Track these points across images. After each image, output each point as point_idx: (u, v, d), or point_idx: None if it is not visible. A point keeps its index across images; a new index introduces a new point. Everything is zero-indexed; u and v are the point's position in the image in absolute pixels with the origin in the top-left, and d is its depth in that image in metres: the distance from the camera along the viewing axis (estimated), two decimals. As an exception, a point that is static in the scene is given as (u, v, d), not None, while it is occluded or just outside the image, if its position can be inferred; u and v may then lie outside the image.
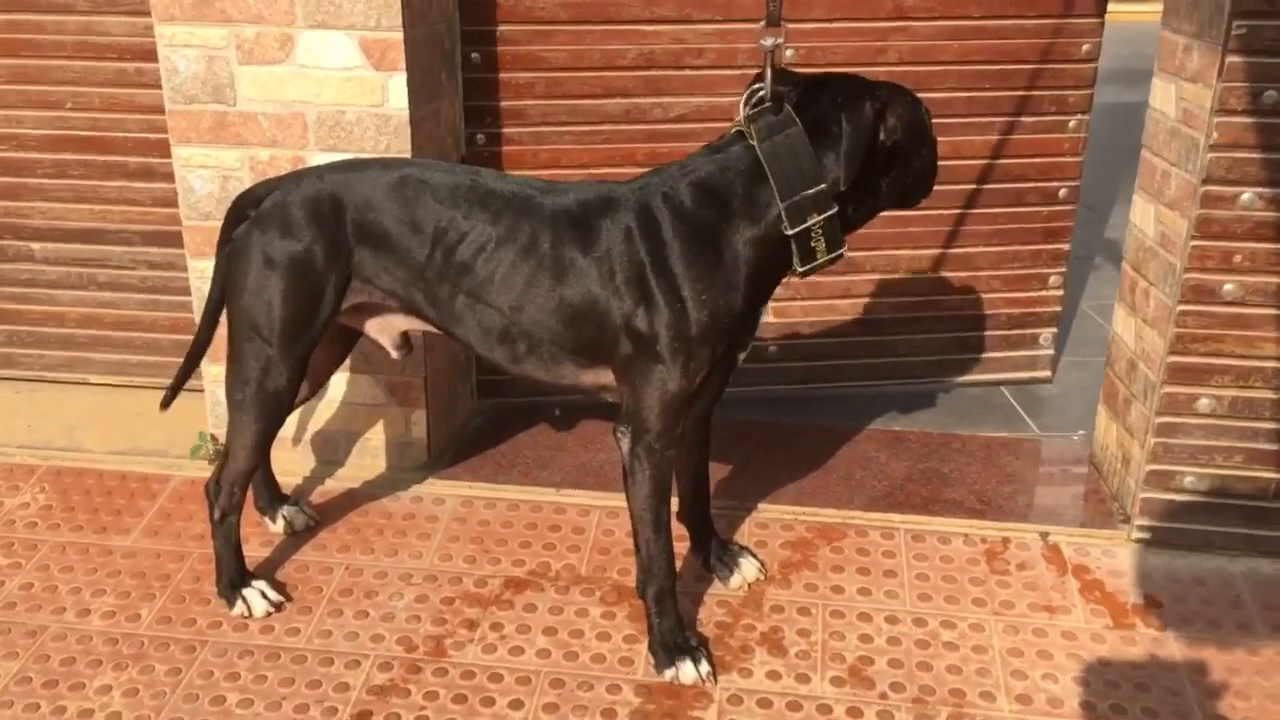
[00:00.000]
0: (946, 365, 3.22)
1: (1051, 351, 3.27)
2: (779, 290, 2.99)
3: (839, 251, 2.06)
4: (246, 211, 2.22)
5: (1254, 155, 2.23)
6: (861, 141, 1.97)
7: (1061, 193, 3.08)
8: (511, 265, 2.09)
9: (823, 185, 1.99)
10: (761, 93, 2.05)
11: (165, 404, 2.43)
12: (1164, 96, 2.47)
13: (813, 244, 2.03)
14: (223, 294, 2.26)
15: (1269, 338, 2.34)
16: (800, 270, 2.07)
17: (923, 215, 3.01)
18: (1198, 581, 2.44)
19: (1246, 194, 2.25)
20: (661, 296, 2.01)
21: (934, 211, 3.01)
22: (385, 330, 2.32)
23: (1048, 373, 3.27)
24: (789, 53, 2.85)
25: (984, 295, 3.17)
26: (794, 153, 1.98)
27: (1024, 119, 2.99)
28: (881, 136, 2.01)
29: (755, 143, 2.00)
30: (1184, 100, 2.36)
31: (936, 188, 3.00)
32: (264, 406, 2.25)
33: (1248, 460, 2.43)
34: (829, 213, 2.00)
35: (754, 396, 3.15)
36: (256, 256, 2.18)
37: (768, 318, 3.05)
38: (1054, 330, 3.25)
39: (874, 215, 2.13)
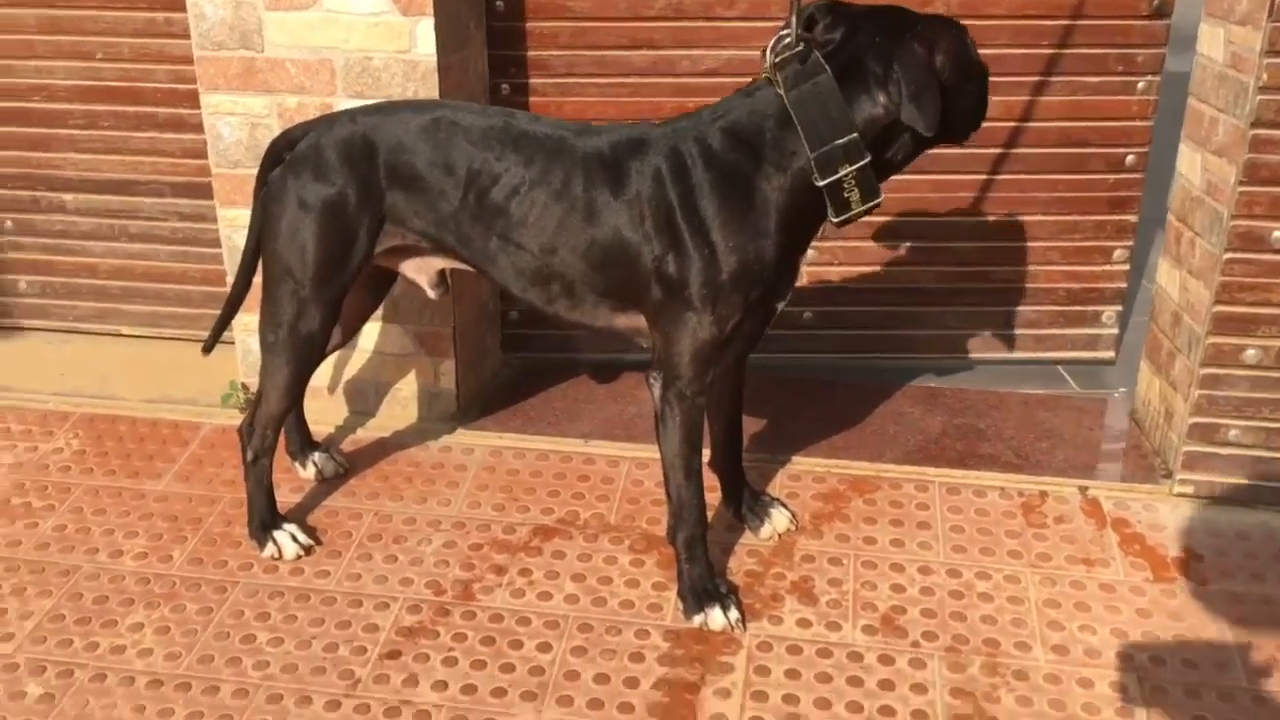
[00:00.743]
0: (997, 341, 3.06)
1: (1115, 331, 3.03)
2: (813, 254, 2.98)
3: (875, 201, 1.99)
4: (282, 155, 2.21)
5: (1307, 96, 2.16)
6: (930, 81, 1.90)
7: (1129, 159, 2.88)
8: (544, 207, 2.06)
9: (854, 134, 1.92)
10: (788, 39, 1.98)
11: (207, 349, 2.44)
12: (1211, 42, 2.39)
13: (846, 194, 1.97)
14: (259, 238, 2.25)
15: (1319, 286, 2.28)
16: (835, 221, 2.01)
17: (973, 180, 2.90)
18: (1241, 536, 2.39)
19: (1298, 136, 2.19)
20: (691, 241, 1.98)
21: (985, 176, 2.89)
22: (422, 270, 2.30)
23: (1110, 353, 3.05)
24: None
25: (1040, 268, 2.99)
26: (822, 101, 1.92)
27: (1087, 79, 2.80)
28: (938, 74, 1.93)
29: (782, 92, 1.95)
30: (1232, 44, 2.29)
31: (988, 150, 2.94)
32: (297, 349, 2.25)
33: (1294, 413, 2.37)
34: (861, 162, 1.94)
35: (788, 364, 3.05)
36: (291, 200, 2.17)
37: (801, 281, 2.98)
38: (1118, 308, 3.00)
39: (915, 158, 2.06)
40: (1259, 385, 2.37)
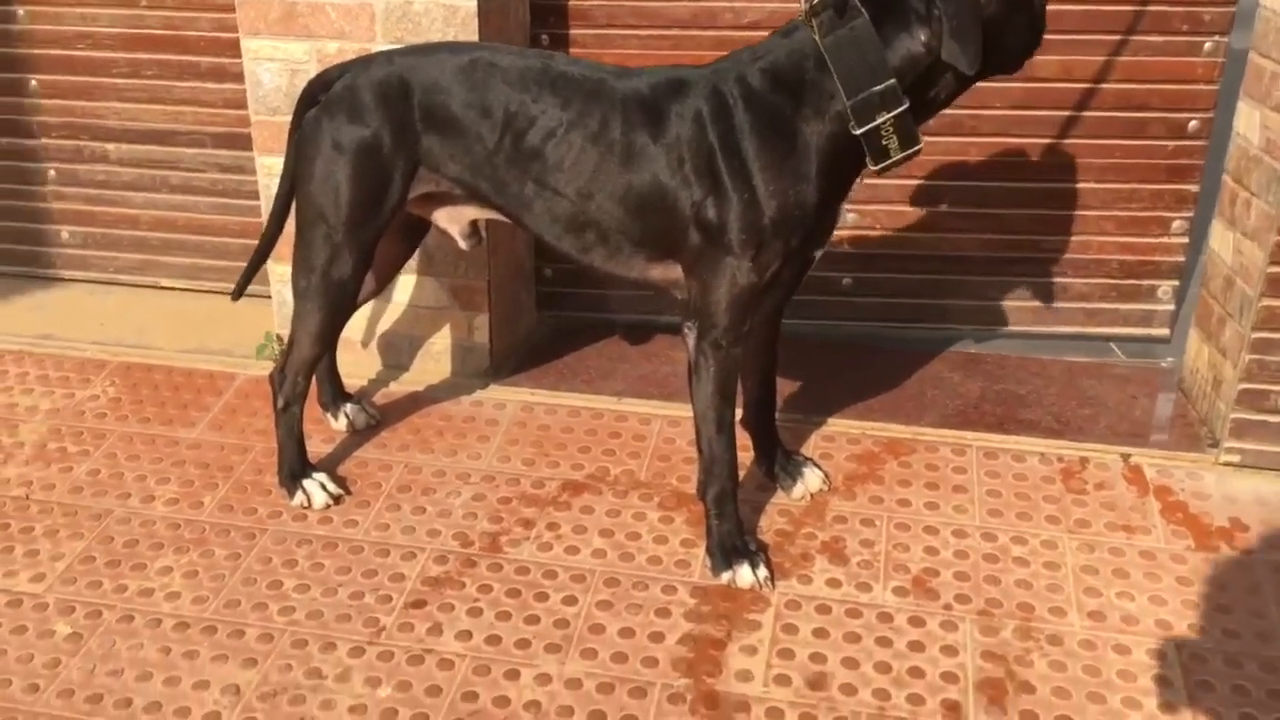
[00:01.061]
0: (1045, 314, 2.94)
1: (1172, 307, 2.88)
2: (854, 217, 2.92)
3: (916, 148, 1.94)
4: (317, 96, 2.19)
5: (1375, 46, 2.06)
6: (973, 16, 1.83)
7: (1192, 125, 2.72)
8: (581, 150, 2.03)
9: (891, 80, 1.87)
10: None
11: (236, 294, 2.44)
12: (1276, -8, 2.30)
13: (884, 142, 1.92)
14: (293, 181, 2.23)
15: (1381, 248, 2.19)
16: (875, 168, 1.96)
17: (1023, 143, 2.79)
18: (1289, 507, 2.32)
19: (1364, 89, 2.09)
20: (731, 184, 1.94)
21: (1037, 140, 2.78)
22: (454, 219, 2.28)
23: (1165, 330, 2.91)
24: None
25: (1093, 238, 2.85)
26: (859, 46, 1.87)
27: (1150, 38, 2.66)
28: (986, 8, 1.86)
29: (818, 37, 1.89)
30: (1299, -7, 2.19)
31: (1040, 112, 2.80)
32: (329, 294, 2.23)
33: (1350, 381, 2.29)
34: (899, 109, 1.88)
35: (826, 331, 2.98)
36: (325, 141, 2.15)
37: (842, 244, 2.91)
38: (1175, 283, 2.85)
39: (959, 95, 1.99)
40: (1313, 351, 2.29)
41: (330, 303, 2.25)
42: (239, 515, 2.34)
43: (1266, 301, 2.28)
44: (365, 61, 2.19)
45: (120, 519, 2.33)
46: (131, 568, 2.19)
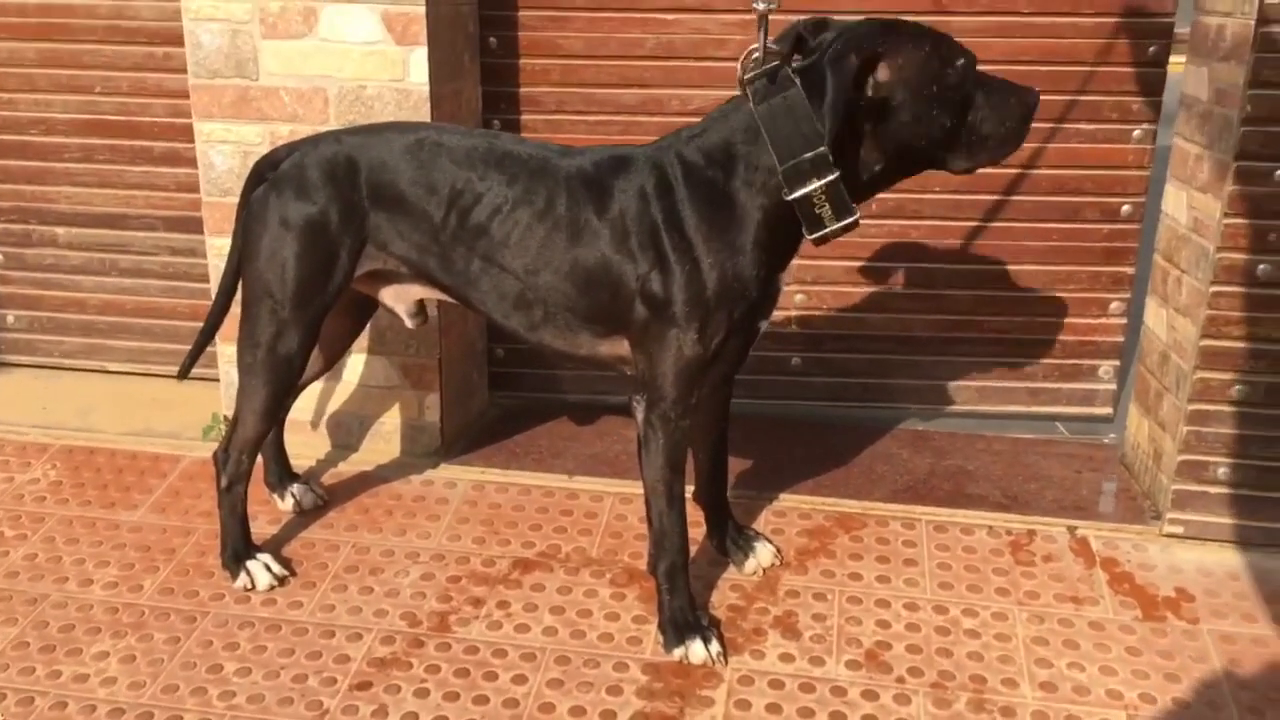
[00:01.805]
0: (990, 393, 2.99)
1: (1113, 386, 2.94)
2: (802, 297, 2.97)
3: (850, 219, 1.95)
4: (265, 175, 2.21)
5: (1289, 129, 2.17)
6: (840, 96, 1.85)
7: (1124, 209, 2.82)
8: (527, 227, 2.06)
9: (822, 148, 1.89)
10: (757, 54, 1.96)
11: (183, 372, 2.42)
12: (1196, 80, 2.41)
13: (817, 210, 1.93)
14: (239, 258, 2.24)
15: (1306, 320, 2.26)
16: (811, 238, 1.98)
17: (964, 226, 2.87)
18: (1232, 576, 2.34)
19: (1281, 170, 2.19)
20: (675, 258, 1.97)
21: (978, 224, 2.86)
22: (400, 298, 2.29)
23: (1108, 409, 2.96)
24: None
25: (1035, 319, 2.92)
26: (792, 114, 1.90)
27: (1081, 126, 2.77)
28: (868, 90, 1.88)
29: (752, 105, 1.93)
30: (1217, 80, 2.31)
31: (980, 196, 2.87)
32: (274, 370, 2.22)
33: (1284, 451, 2.34)
34: (830, 177, 1.90)
35: (775, 412, 3.00)
36: (272, 218, 2.16)
37: (790, 326, 2.95)
38: (1115, 363, 2.92)
39: (891, 181, 2.03)
40: (1247, 422, 2.34)
41: (275, 379, 2.24)
42: (180, 598, 2.29)
43: (1201, 374, 2.34)
44: (313, 140, 2.22)
45: (56, 603, 2.26)
46: (66, 653, 2.12)
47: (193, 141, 2.71)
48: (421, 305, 2.32)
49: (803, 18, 2.01)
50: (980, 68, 2.66)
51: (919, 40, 1.91)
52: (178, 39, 2.75)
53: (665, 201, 1.98)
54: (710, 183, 1.97)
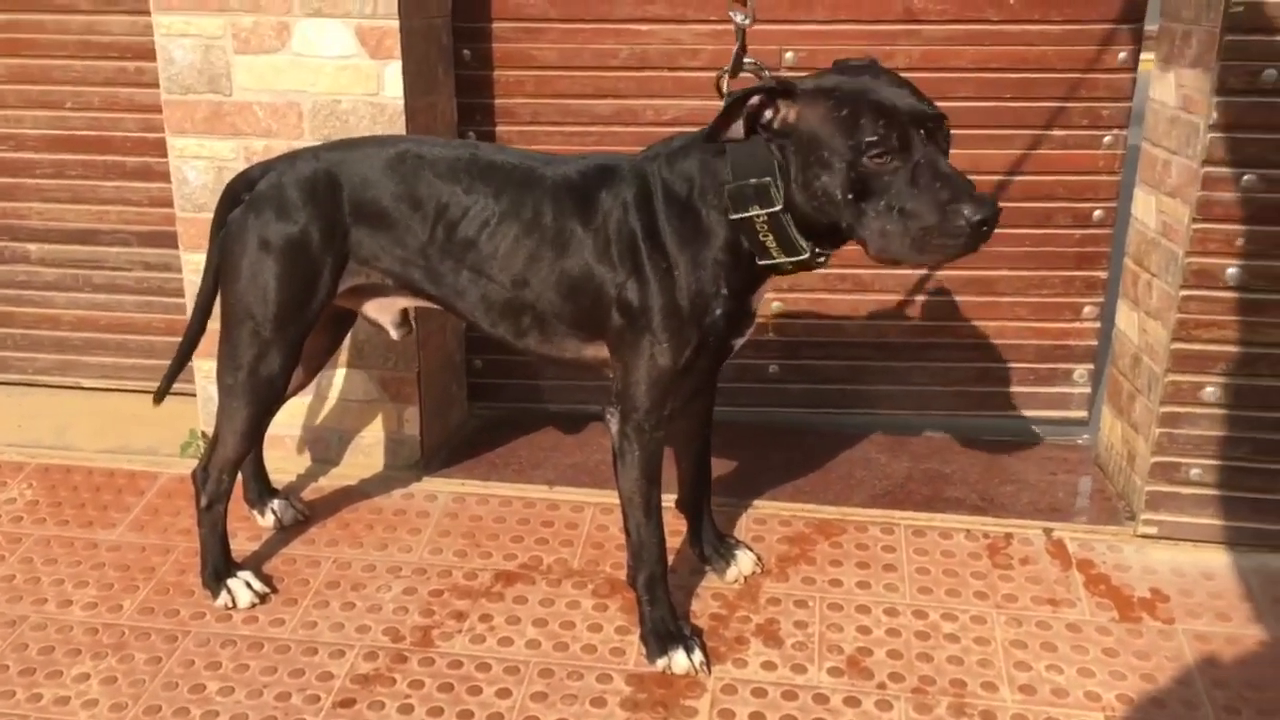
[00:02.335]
0: (966, 398, 3.00)
1: (1087, 390, 2.95)
2: (778, 305, 2.98)
3: (800, 256, 1.90)
4: (240, 195, 2.20)
5: (1254, 136, 2.20)
6: (725, 113, 1.81)
7: (1096, 214, 2.84)
8: (515, 240, 2.06)
9: (768, 178, 1.87)
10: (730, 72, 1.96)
11: (159, 397, 2.40)
12: (1163, 86, 2.45)
13: (761, 238, 1.91)
14: (216, 280, 2.23)
15: (1274, 322, 2.30)
16: (761, 264, 1.95)
17: None
18: (1206, 576, 2.38)
19: (1248, 175, 2.22)
20: (650, 268, 1.98)
21: None
22: (385, 310, 2.29)
23: (1083, 413, 2.97)
24: (789, 55, 2.82)
25: (1008, 324, 2.94)
26: (753, 140, 1.87)
27: (1052, 132, 2.79)
28: (774, 126, 1.84)
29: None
30: (1183, 86, 2.34)
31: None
32: (256, 392, 2.22)
33: (1255, 451, 2.38)
34: (771, 209, 1.87)
35: (754, 419, 3.02)
36: (252, 239, 2.15)
37: (766, 332, 2.96)
38: (1090, 367, 2.94)
39: (826, 237, 1.91)
40: (1218, 423, 2.38)
41: (258, 400, 2.23)
42: (160, 618, 2.28)
43: (1172, 377, 2.37)
44: (290, 158, 2.22)
45: (35, 625, 2.25)
46: (47, 675, 2.11)
47: (165, 156, 2.70)
48: (406, 315, 2.32)
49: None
50: (950, 76, 2.72)
51: (839, 100, 1.80)
52: (149, 54, 2.74)
53: (644, 212, 1.99)
54: (682, 197, 1.98)
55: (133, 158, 3.03)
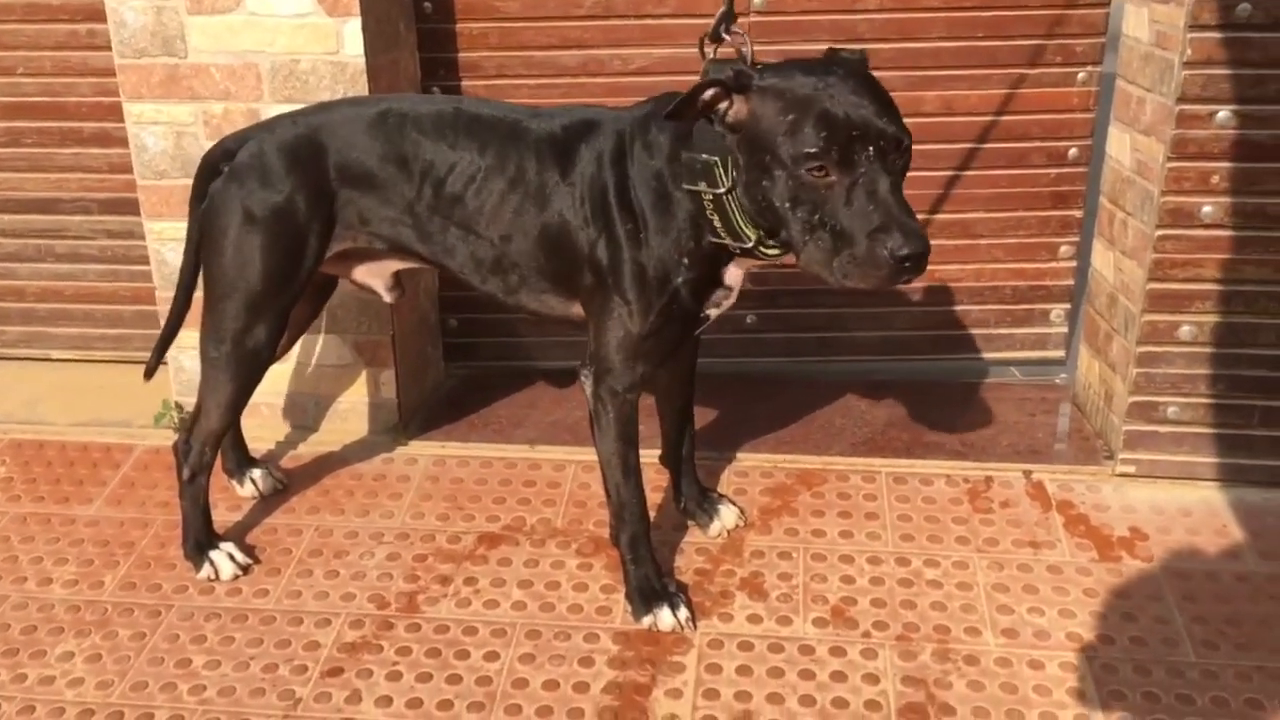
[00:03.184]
0: (945, 341, 2.99)
1: (1064, 329, 2.95)
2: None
3: (744, 244, 1.85)
4: (220, 166, 2.14)
5: (1228, 71, 2.18)
6: (687, 98, 1.75)
7: (1071, 152, 2.81)
8: (501, 195, 2.03)
9: (715, 158, 1.81)
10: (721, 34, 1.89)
11: (149, 373, 2.37)
12: (1137, 22, 2.42)
13: (709, 215, 1.87)
14: (198, 255, 2.18)
15: (1249, 260, 2.30)
16: (711, 239, 1.90)
17: (911, 176, 2.75)
18: (1183, 512, 2.40)
19: (1222, 112, 2.21)
20: (621, 229, 1.95)
21: (923, 173, 2.80)
22: (376, 274, 2.25)
23: (1060, 353, 2.98)
24: (757, 0, 2.76)
25: (985, 266, 2.93)
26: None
27: (1025, 71, 2.74)
28: (725, 117, 1.78)
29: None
30: (1157, 22, 2.31)
31: (925, 146, 2.66)
32: (242, 364, 2.18)
33: (1230, 388, 2.39)
34: (717, 189, 1.82)
35: (733, 370, 2.99)
36: (235, 211, 2.10)
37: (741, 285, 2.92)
38: (1066, 306, 2.93)
39: (772, 234, 1.84)
40: (1194, 361, 2.38)
41: (243, 372, 2.20)
42: (143, 593, 2.26)
43: (1149, 317, 2.37)
44: (268, 125, 2.16)
45: (16, 604, 2.23)
46: (30, 655, 2.10)
47: (123, 120, 2.63)
48: (398, 278, 2.28)
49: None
50: (921, 16, 2.67)
51: (789, 103, 1.73)
52: (100, 14, 2.66)
53: (617, 170, 1.95)
54: (652, 161, 1.94)
55: (90, 123, 2.95)
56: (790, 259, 1.88)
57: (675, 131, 1.91)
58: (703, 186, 1.85)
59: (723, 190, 1.83)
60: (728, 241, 1.88)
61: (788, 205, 1.74)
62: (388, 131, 2.08)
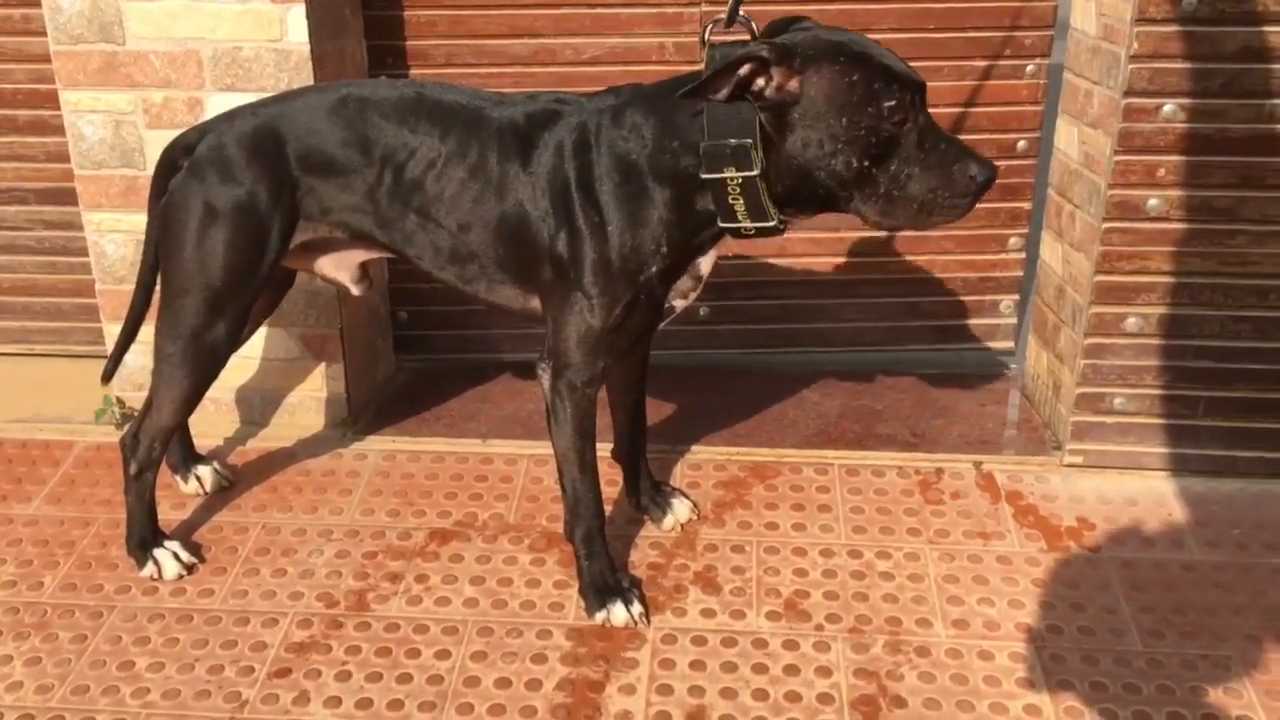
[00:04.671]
0: (897, 333, 3.01)
1: (1014, 320, 2.97)
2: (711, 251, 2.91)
3: (767, 223, 1.85)
4: (179, 161, 2.09)
5: (1174, 65, 2.20)
6: (715, 76, 1.73)
7: (1020, 145, 2.82)
8: (460, 183, 2.00)
9: (749, 139, 1.80)
10: (722, 18, 1.88)
11: (107, 376, 2.32)
12: (1084, 15, 2.43)
13: (730, 200, 1.85)
14: (158, 252, 2.13)
15: (1194, 253, 2.32)
16: (722, 225, 1.90)
17: None
18: (1130, 502, 2.43)
19: (1168, 105, 2.23)
20: (583, 221, 1.92)
21: None
22: (342, 265, 2.21)
23: (1010, 344, 3.00)
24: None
25: (936, 257, 2.94)
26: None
27: (975, 63, 2.75)
28: (766, 94, 1.76)
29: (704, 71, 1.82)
30: (1104, 16, 2.32)
31: None
32: (199, 360, 2.14)
33: (1176, 379, 2.42)
34: (749, 172, 1.81)
35: (686, 362, 2.99)
36: (195, 206, 2.05)
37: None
38: (1015, 297, 2.95)
39: (806, 206, 1.87)
40: (1140, 353, 2.41)
41: (200, 369, 2.15)
42: (84, 593, 2.21)
43: (1096, 309, 2.40)
44: (227, 117, 2.11)
45: (-49, 608, 2.17)
46: (-35, 661, 2.04)
47: (60, 108, 2.55)
48: (365, 270, 2.24)
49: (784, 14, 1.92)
50: (873, 7, 2.68)
51: (847, 64, 1.77)
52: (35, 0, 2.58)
53: (580, 161, 1.92)
54: (626, 152, 1.91)
55: (25, 111, 2.87)
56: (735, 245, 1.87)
57: (663, 120, 1.89)
58: (731, 172, 1.82)
59: (755, 172, 1.81)
60: (744, 224, 1.87)
61: (867, 164, 1.78)
62: (348, 116, 2.04)
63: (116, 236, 2.61)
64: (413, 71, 2.78)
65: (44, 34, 2.53)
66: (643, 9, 2.75)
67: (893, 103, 1.76)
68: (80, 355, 2.44)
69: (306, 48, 2.40)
